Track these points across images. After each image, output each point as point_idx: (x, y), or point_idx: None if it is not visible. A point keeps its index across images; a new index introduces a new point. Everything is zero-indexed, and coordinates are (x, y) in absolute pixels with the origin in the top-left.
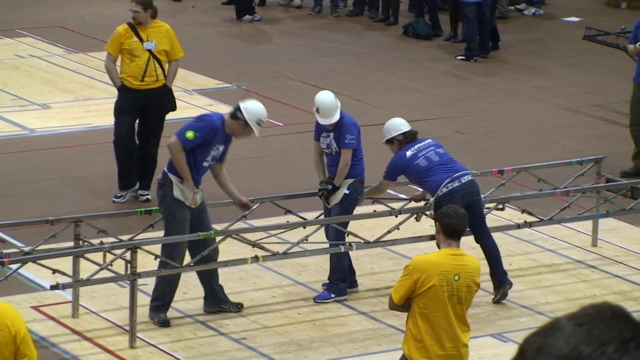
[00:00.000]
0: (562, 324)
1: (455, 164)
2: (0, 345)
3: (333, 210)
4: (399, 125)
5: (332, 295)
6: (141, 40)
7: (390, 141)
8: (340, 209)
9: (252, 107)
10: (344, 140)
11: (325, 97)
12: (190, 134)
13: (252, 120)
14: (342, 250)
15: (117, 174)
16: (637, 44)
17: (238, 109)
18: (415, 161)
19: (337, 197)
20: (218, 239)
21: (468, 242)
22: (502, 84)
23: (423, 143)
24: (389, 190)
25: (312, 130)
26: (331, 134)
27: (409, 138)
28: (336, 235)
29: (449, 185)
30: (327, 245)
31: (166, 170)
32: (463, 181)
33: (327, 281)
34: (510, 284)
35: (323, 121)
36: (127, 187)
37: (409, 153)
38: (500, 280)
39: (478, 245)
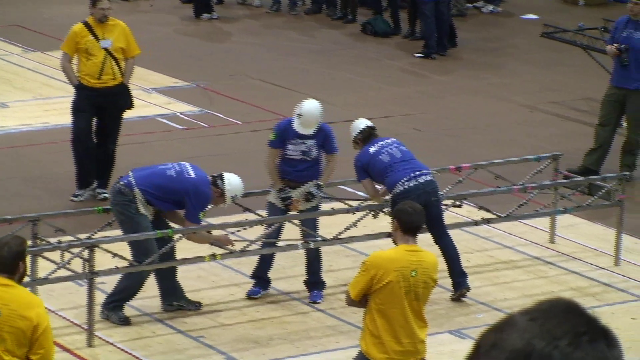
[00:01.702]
0: (516, 320)
1: (416, 162)
2: (19, 332)
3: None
4: (357, 125)
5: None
6: (97, 38)
7: (355, 142)
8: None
9: (234, 182)
10: (332, 146)
11: (313, 106)
12: (201, 215)
13: (230, 194)
14: (300, 248)
15: (75, 173)
16: (615, 46)
17: (221, 178)
18: (378, 157)
19: (314, 202)
20: (176, 237)
21: (426, 239)
22: (461, 82)
23: (387, 141)
24: (345, 187)
25: (268, 129)
26: (309, 141)
27: (366, 133)
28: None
29: (405, 183)
30: (284, 243)
31: (133, 184)
32: (420, 181)
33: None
34: (467, 289)
35: (301, 129)
36: (85, 186)
37: (372, 149)
38: (459, 283)
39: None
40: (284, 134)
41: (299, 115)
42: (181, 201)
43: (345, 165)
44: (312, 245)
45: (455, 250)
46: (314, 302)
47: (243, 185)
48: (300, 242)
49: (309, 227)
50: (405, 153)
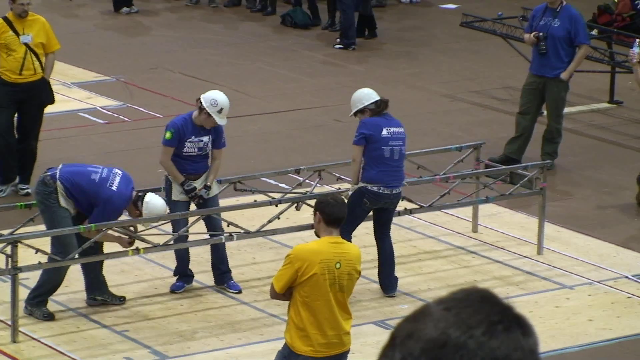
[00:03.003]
0: (431, 309)
1: (401, 172)
2: None
3: (213, 203)
4: (369, 94)
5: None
6: (17, 34)
7: (361, 111)
8: (216, 201)
9: (152, 207)
10: (221, 141)
11: (225, 97)
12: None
13: (146, 216)
14: (223, 240)
15: None
16: (533, 34)
17: (142, 199)
18: (382, 145)
19: (214, 191)
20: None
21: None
22: (379, 72)
23: (398, 130)
24: (267, 180)
25: None
26: (205, 137)
27: (382, 107)
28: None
29: (382, 188)
30: (207, 237)
31: (57, 176)
32: (394, 192)
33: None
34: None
35: (221, 121)
36: (7, 182)
37: (384, 132)
38: (388, 286)
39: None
40: (181, 133)
41: (220, 110)
42: (94, 207)
43: (268, 157)
44: (235, 238)
45: (393, 256)
46: (239, 292)
47: (165, 209)
48: (225, 234)
49: (218, 225)
50: (401, 157)
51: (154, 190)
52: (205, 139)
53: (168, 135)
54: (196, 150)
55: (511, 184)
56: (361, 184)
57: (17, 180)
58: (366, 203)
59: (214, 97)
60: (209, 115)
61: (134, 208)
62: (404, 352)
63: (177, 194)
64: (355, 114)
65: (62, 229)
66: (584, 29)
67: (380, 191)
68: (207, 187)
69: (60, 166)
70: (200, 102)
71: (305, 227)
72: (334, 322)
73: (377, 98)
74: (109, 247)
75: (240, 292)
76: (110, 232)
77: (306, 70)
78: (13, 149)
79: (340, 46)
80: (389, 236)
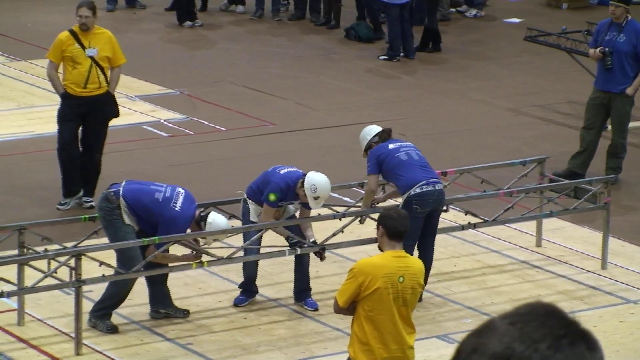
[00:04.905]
0: (496, 324)
1: (431, 170)
2: None
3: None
4: (370, 130)
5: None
6: (83, 47)
7: (369, 147)
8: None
9: (215, 227)
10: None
11: (326, 185)
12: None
13: (307, 188)
14: (287, 254)
15: (60, 181)
16: (598, 50)
17: (205, 219)
18: (396, 153)
19: (290, 211)
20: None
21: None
22: (443, 86)
23: (404, 143)
24: (331, 193)
25: (252, 135)
26: (298, 203)
27: (384, 137)
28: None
29: (423, 187)
30: (270, 249)
31: (120, 193)
32: (437, 187)
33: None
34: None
35: (315, 207)
36: (71, 195)
37: (391, 145)
38: None
39: None
40: (283, 197)
41: (316, 197)
42: (156, 225)
43: (331, 170)
44: (299, 251)
45: (431, 264)
46: (315, 310)
47: (228, 227)
48: (287, 248)
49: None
50: (421, 158)
51: (215, 205)
52: (298, 204)
53: (272, 197)
54: (291, 209)
55: (575, 199)
56: (404, 196)
57: (80, 193)
58: (417, 209)
59: (316, 184)
60: (305, 195)
61: (197, 228)
62: None
63: (254, 216)
64: (365, 152)
65: (127, 242)
66: None
67: (424, 190)
68: (315, 243)
69: (123, 182)
70: (304, 179)
71: (369, 241)
72: (397, 336)
73: (379, 130)
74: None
75: (316, 310)
76: (174, 255)
77: (369, 84)
78: (76, 162)
79: (385, 57)
80: (432, 247)
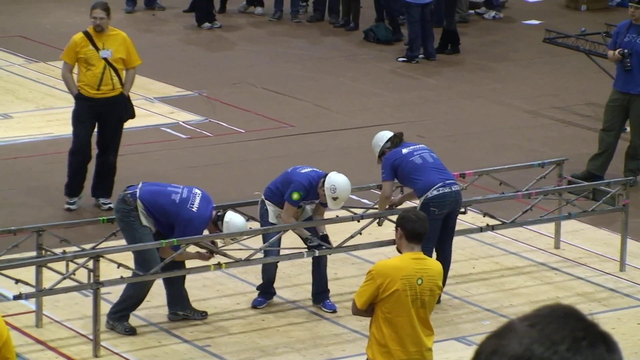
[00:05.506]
0: (515, 326)
1: (447, 171)
2: None
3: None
4: (382, 136)
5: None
6: (97, 48)
7: (382, 153)
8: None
9: (232, 227)
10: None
11: (348, 189)
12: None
13: (327, 188)
14: (305, 256)
15: (65, 182)
16: (617, 51)
17: (222, 219)
18: (410, 158)
19: (307, 213)
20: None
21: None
22: (461, 87)
23: (418, 146)
24: (351, 196)
25: (271, 137)
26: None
27: (396, 141)
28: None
29: (440, 188)
30: (289, 251)
31: (137, 195)
32: (453, 189)
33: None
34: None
35: (333, 207)
36: (76, 194)
37: (404, 150)
38: None
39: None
40: (306, 196)
41: (335, 198)
42: (173, 227)
43: (350, 172)
44: (317, 253)
45: (448, 265)
46: (333, 312)
47: (245, 227)
48: (305, 250)
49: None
50: (436, 160)
51: (233, 207)
52: (317, 202)
53: (296, 196)
54: (308, 210)
55: (594, 201)
56: (421, 199)
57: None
58: (435, 211)
59: (335, 184)
60: (325, 195)
61: (214, 228)
62: None
63: (273, 217)
64: (379, 158)
65: (145, 244)
66: None
67: (441, 192)
68: (325, 237)
69: (140, 184)
70: (325, 179)
71: (387, 243)
72: (415, 338)
73: (390, 135)
74: (190, 262)
75: (335, 312)
76: (188, 250)
77: (388, 85)
78: (86, 165)
79: (404, 59)
80: (450, 248)
